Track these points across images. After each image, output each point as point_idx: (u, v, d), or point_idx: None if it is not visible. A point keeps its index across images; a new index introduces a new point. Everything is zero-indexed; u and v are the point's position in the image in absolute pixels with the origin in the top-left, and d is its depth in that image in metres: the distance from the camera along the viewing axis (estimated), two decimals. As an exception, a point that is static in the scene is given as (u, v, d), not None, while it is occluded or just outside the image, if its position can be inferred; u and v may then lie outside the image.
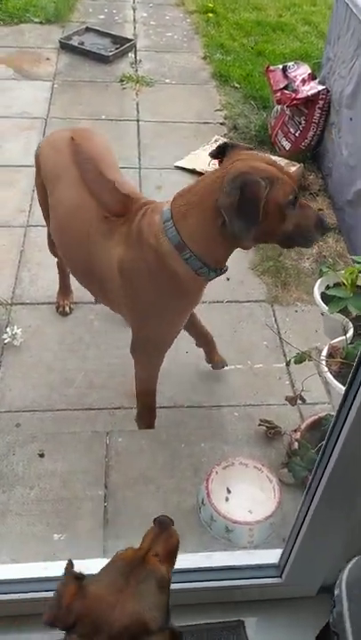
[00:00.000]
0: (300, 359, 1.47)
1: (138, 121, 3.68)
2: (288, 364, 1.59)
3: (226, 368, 2.31)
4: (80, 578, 0.95)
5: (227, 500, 1.59)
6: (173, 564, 1.02)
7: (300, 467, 1.64)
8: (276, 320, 2.52)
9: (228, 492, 1.61)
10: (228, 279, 2.68)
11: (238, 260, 2.76)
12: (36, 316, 2.44)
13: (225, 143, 1.48)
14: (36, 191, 2.13)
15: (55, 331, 2.39)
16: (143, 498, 1.64)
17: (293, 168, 3.12)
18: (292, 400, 1.64)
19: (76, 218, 1.68)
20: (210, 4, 5.15)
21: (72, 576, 0.95)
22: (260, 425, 1.89)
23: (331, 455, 1.08)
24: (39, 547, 1.56)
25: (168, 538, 1.02)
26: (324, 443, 1.08)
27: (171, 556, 1.01)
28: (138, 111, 3.78)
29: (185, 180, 3.23)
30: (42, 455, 1.79)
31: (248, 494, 1.60)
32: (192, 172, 3.26)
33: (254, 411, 2.15)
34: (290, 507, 1.59)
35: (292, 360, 1.51)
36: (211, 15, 4.99)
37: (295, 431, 1.78)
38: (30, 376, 2.20)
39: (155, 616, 0.91)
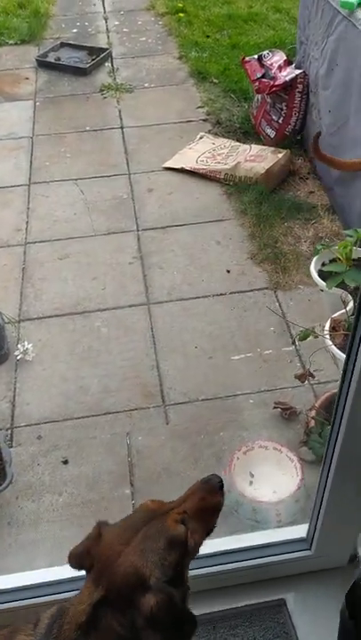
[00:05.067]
0: (305, 335, 1.50)
1: (122, 128, 3.73)
2: (294, 342, 1.61)
3: (236, 357, 2.35)
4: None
5: (251, 483, 1.62)
6: (207, 526, 0.97)
7: (319, 443, 1.66)
8: (280, 305, 2.54)
9: (252, 475, 1.64)
10: (228, 271, 2.72)
11: (237, 252, 2.80)
12: (44, 329, 2.49)
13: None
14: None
15: (65, 342, 2.43)
16: (169, 491, 1.65)
17: (281, 155, 3.15)
18: (301, 377, 1.67)
19: None
20: (180, 4, 5.18)
21: (103, 521, 0.97)
22: (275, 408, 1.92)
23: (340, 427, 1.11)
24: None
25: (205, 496, 0.97)
26: (332, 415, 1.11)
27: (202, 516, 0.96)
28: (121, 118, 3.83)
29: (175, 179, 3.28)
30: (66, 462, 1.83)
31: (271, 476, 1.63)
32: (180, 170, 3.30)
33: (269, 396, 2.18)
34: (313, 483, 1.61)
35: (297, 338, 1.54)
36: (182, 15, 5.03)
37: (311, 409, 1.81)
38: (46, 388, 2.25)
39: (156, 573, 0.89)
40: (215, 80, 4.14)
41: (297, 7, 5.11)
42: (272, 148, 3.24)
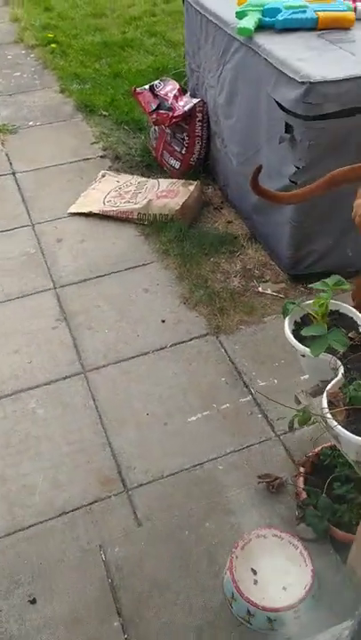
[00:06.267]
0: (304, 419, 1.34)
1: (14, 174, 3.42)
2: (291, 428, 1.45)
3: (193, 418, 2.16)
4: None
5: (255, 582, 1.43)
6: None
7: (317, 517, 1.51)
8: (226, 351, 2.38)
9: (254, 572, 1.45)
10: (163, 321, 2.52)
11: (168, 298, 2.61)
12: (-31, 423, 2.14)
13: None
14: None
15: (-4, 434, 2.11)
16: (165, 611, 1.44)
17: (192, 187, 3.01)
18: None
19: None
20: (49, 35, 4.94)
21: None
22: (259, 483, 1.74)
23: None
24: None
25: None
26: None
27: None
28: (10, 163, 3.52)
29: (84, 225, 3.03)
30: (33, 601, 1.52)
31: (276, 568, 1.44)
32: (89, 215, 3.06)
33: (237, 457, 2.01)
34: (319, 564, 1.46)
35: (295, 422, 1.38)
36: (54, 46, 4.79)
37: (296, 477, 1.65)
38: (-17, 497, 1.92)
39: None
40: (104, 112, 3.94)
41: (171, 30, 5.11)
42: (182, 181, 3.09)
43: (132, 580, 1.54)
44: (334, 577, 1.42)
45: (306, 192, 1.78)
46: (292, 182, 2.35)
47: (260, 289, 2.64)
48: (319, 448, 1.69)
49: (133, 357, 2.38)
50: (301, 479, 1.65)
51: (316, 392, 1.39)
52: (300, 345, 1.35)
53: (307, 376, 1.84)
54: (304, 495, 1.61)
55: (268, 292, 2.63)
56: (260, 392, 2.20)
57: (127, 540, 1.65)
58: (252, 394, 2.22)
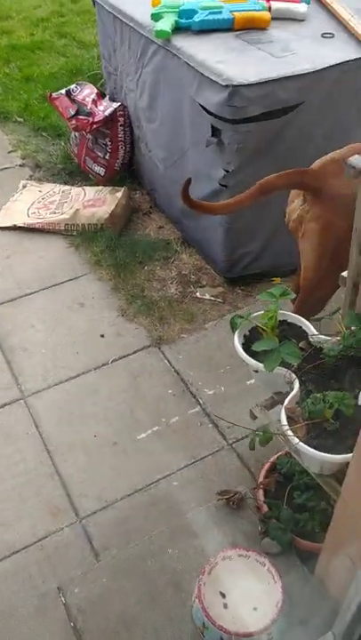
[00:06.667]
0: (266, 439, 1.30)
1: None
2: (253, 447, 1.40)
3: (142, 435, 2.09)
4: None
5: (225, 606, 1.39)
6: None
7: (281, 530, 1.49)
8: (169, 362, 2.33)
9: (223, 596, 1.40)
10: (102, 336, 2.44)
11: (105, 311, 2.53)
12: None
13: None
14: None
15: None
16: (135, 649, 1.37)
17: (120, 194, 2.93)
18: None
19: None
20: None
21: None
22: (219, 500, 1.70)
23: None
24: None
25: None
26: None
27: None
28: None
29: (8, 239, 2.88)
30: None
31: (245, 589, 1.41)
32: (13, 228, 2.91)
33: (192, 471, 1.96)
34: (288, 579, 1.43)
35: (254, 443, 1.34)
36: None
37: (255, 490, 1.63)
38: None
39: None
40: (19, 119, 3.77)
41: (82, 31, 4.97)
42: (109, 188, 3.00)
43: (97, 620, 1.46)
44: (304, 590, 1.41)
45: (237, 202, 1.75)
46: (223, 186, 2.32)
47: (198, 294, 2.61)
48: (275, 457, 1.68)
49: (75, 377, 2.28)
50: (261, 492, 1.63)
51: (271, 405, 1.37)
52: (253, 360, 1.32)
53: (253, 380, 1.82)
54: (265, 508, 1.58)
55: (207, 297, 2.60)
56: (209, 402, 2.17)
57: (87, 579, 1.56)
58: (200, 404, 2.18)
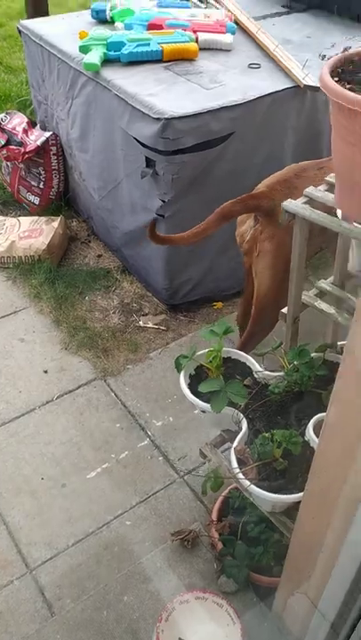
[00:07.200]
0: (217, 485, 1.29)
1: None
2: (205, 492, 1.38)
3: (92, 474, 2.04)
4: None
5: (186, 652, 1.36)
6: None
7: (236, 567, 1.48)
8: (116, 394, 2.30)
9: (184, 642, 1.38)
10: (45, 372, 2.38)
11: (47, 346, 2.47)
12: None
13: None
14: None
15: None
16: None
17: (56, 223, 2.88)
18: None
19: None
20: None
21: None
22: (173, 541, 1.67)
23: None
24: None
25: None
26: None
27: None
28: None
29: None
30: None
31: (204, 633, 1.39)
32: None
33: (143, 509, 1.93)
34: (246, 618, 1.42)
35: (208, 487, 1.32)
36: None
37: (209, 525, 1.61)
38: None
39: None
40: None
41: (8, 55, 4.90)
42: (44, 218, 2.95)
43: None
44: (263, 628, 1.40)
45: (204, 229, 1.77)
46: (160, 215, 2.33)
47: (140, 323, 2.59)
48: (226, 491, 1.67)
49: (18, 417, 2.20)
50: (213, 527, 1.62)
51: (221, 442, 1.36)
52: (201, 402, 1.31)
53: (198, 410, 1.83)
54: (220, 545, 1.57)
55: (150, 325, 2.58)
56: (158, 433, 2.15)
57: (40, 636, 1.50)
58: (149, 436, 2.16)
